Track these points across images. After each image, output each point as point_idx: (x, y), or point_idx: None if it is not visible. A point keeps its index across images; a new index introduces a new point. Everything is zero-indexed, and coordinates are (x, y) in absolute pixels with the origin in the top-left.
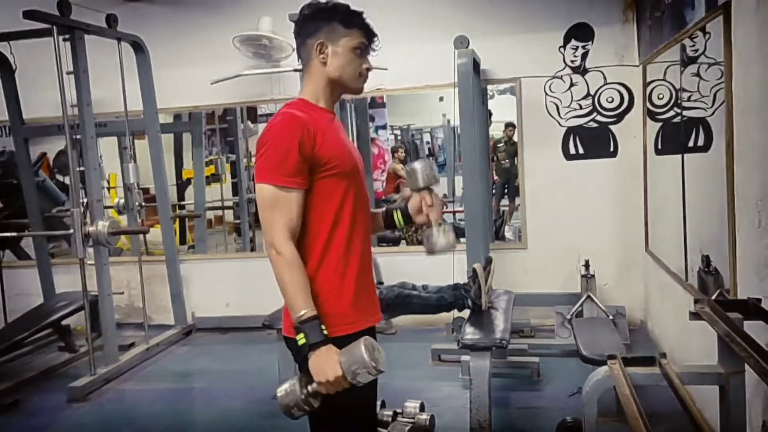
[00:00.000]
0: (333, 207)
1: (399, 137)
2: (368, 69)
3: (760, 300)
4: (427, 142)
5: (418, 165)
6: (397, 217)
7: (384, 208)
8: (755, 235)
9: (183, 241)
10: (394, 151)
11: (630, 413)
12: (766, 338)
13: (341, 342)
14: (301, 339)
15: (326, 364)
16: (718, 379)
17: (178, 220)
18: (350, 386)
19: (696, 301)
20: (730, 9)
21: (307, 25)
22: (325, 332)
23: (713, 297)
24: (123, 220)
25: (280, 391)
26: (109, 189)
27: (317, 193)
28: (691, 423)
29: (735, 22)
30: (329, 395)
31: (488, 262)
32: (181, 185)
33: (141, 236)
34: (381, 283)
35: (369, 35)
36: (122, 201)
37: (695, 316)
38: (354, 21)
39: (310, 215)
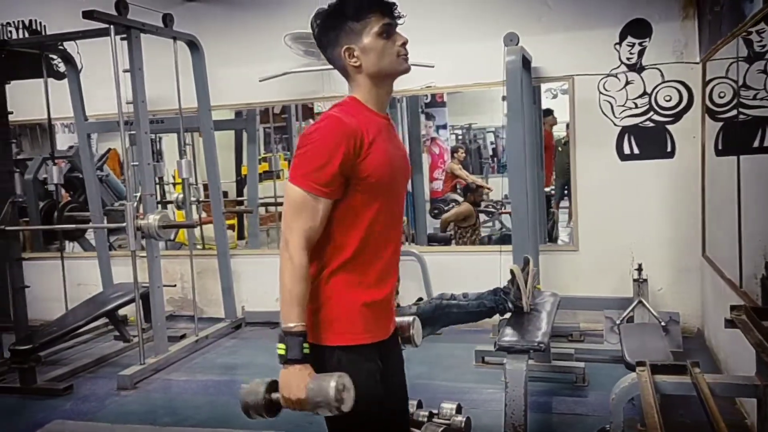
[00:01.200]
0: (363, 221)
1: (460, 137)
2: (404, 44)
3: None
4: (491, 143)
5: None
6: None
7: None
8: None
9: (241, 236)
10: (453, 151)
11: (650, 423)
12: None
13: (346, 351)
14: (281, 349)
15: (294, 384)
16: (754, 391)
17: (237, 216)
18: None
19: (732, 308)
20: None
21: (324, 38)
22: (306, 351)
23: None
24: (183, 215)
25: (244, 387)
26: (174, 185)
27: (349, 205)
28: None
29: None
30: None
31: (525, 263)
32: (241, 181)
33: (196, 231)
34: (421, 299)
35: (387, 10)
36: (181, 196)
37: (730, 323)
38: (365, 9)
39: (336, 225)
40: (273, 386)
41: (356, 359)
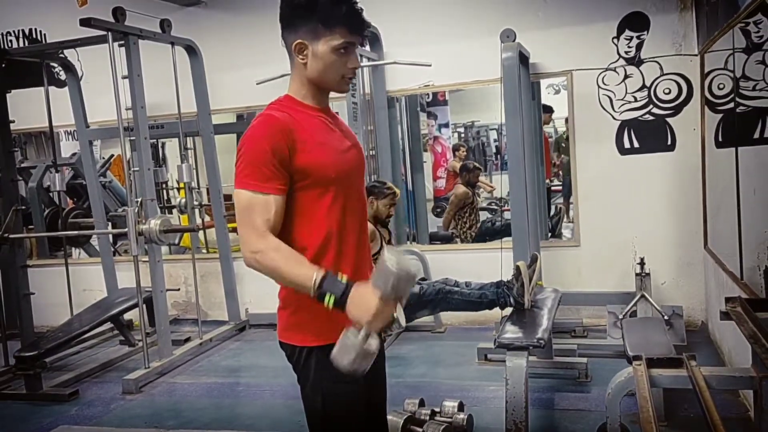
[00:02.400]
0: (320, 218)
1: (462, 135)
2: (354, 68)
3: None
4: (495, 140)
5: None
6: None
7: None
8: None
9: None
10: (455, 149)
11: (644, 417)
12: None
13: (321, 351)
14: (329, 300)
15: (363, 301)
16: (750, 383)
17: None
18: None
19: (728, 300)
20: None
21: (286, 20)
22: (344, 279)
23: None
24: (187, 219)
25: (336, 353)
26: (179, 189)
27: (302, 203)
28: (707, 430)
29: None
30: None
31: (533, 260)
32: None
33: (200, 234)
34: (424, 279)
35: (355, 30)
36: (184, 200)
37: (725, 315)
38: (336, 19)
39: (295, 225)
40: (351, 332)
41: None
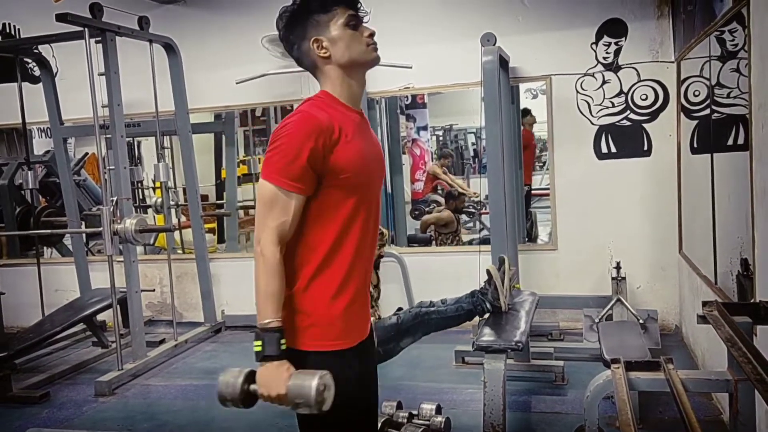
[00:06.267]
0: (338, 221)
1: (441, 138)
2: (371, 34)
3: None
4: (473, 143)
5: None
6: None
7: None
8: None
9: (222, 240)
10: (442, 157)
11: (623, 420)
12: None
13: (324, 357)
14: (257, 346)
15: (273, 381)
16: (726, 386)
17: (216, 219)
18: (339, 393)
19: (704, 304)
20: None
21: (291, 33)
22: (283, 347)
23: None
24: (163, 219)
25: (223, 376)
26: (154, 189)
27: (323, 203)
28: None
29: (753, 13)
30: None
31: (501, 262)
32: (221, 185)
33: (176, 234)
34: (400, 309)
35: (352, 3)
36: (160, 200)
37: (702, 319)
38: (330, 2)
39: (310, 225)
40: (251, 377)
41: (334, 364)
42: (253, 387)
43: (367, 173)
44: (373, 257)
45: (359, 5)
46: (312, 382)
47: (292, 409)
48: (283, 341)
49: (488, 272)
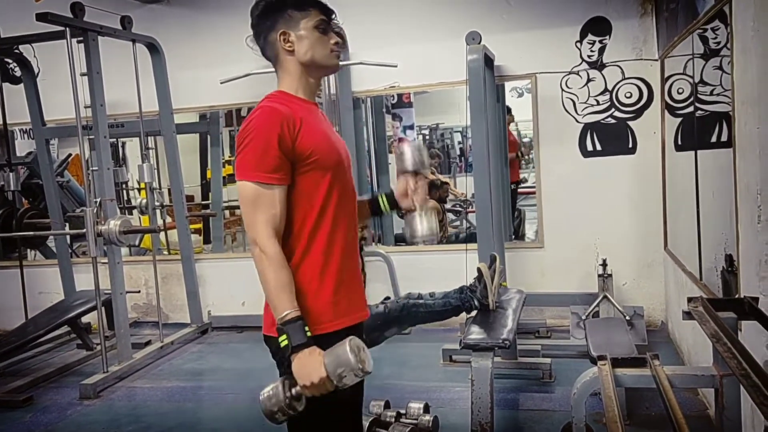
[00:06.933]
0: (316, 204)
1: (427, 137)
2: (336, 43)
3: (756, 299)
4: (459, 142)
5: (407, 147)
6: (382, 201)
7: (370, 196)
8: (755, 231)
9: (207, 241)
10: (431, 157)
11: (610, 416)
12: (763, 339)
13: (324, 340)
14: (283, 341)
15: (310, 367)
16: (712, 381)
17: (202, 219)
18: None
19: (689, 300)
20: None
21: (263, 22)
22: (309, 333)
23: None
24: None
25: (263, 394)
26: (139, 190)
27: (300, 190)
28: (671, 428)
29: (735, 11)
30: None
31: (492, 260)
32: (206, 185)
33: (161, 236)
34: (388, 298)
35: (326, 11)
36: (145, 201)
37: (687, 315)
38: (307, 2)
39: (293, 212)
40: (289, 383)
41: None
42: (295, 390)
43: (335, 154)
44: (356, 241)
45: (333, 16)
46: (345, 347)
47: (338, 387)
48: (307, 328)
49: (479, 270)
